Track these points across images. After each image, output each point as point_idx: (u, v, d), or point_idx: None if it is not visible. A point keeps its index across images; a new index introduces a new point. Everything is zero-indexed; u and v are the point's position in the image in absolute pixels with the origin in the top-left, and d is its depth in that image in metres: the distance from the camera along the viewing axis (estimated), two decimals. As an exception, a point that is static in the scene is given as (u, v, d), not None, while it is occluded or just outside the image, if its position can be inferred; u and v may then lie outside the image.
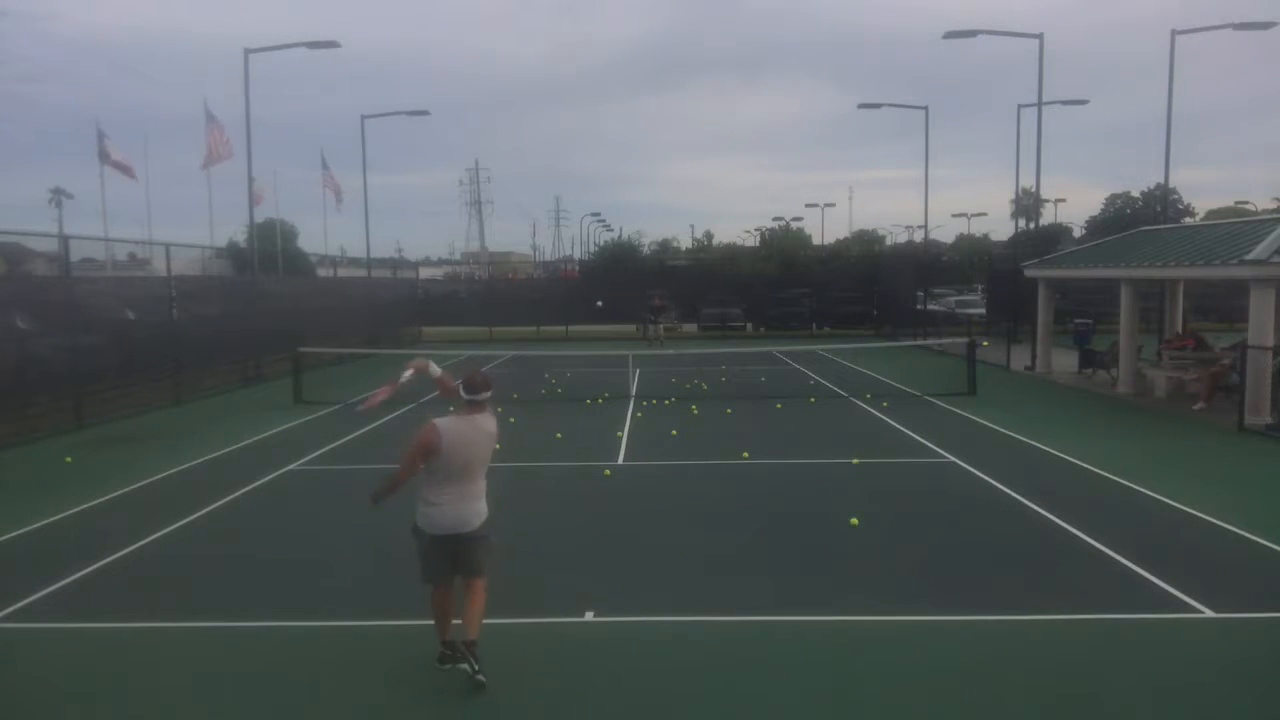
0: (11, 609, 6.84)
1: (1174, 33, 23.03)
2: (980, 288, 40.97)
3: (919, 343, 27.54)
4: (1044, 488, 10.18)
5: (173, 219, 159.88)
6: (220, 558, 8.13)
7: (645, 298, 34.15)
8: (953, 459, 11.93)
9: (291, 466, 11.93)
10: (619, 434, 14.02)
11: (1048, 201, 71.38)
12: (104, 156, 32.33)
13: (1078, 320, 24.66)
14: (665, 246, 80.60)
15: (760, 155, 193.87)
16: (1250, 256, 14.19)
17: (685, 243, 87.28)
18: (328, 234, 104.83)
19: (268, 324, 22.32)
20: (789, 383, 20.63)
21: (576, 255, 73.94)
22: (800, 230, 71.67)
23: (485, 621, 5.61)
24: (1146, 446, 12.82)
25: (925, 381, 19.88)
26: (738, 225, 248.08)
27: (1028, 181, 48.07)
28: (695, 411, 16.31)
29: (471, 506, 5.56)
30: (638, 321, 35.00)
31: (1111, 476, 10.79)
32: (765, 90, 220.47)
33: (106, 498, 10.28)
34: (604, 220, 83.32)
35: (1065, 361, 22.63)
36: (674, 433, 14.05)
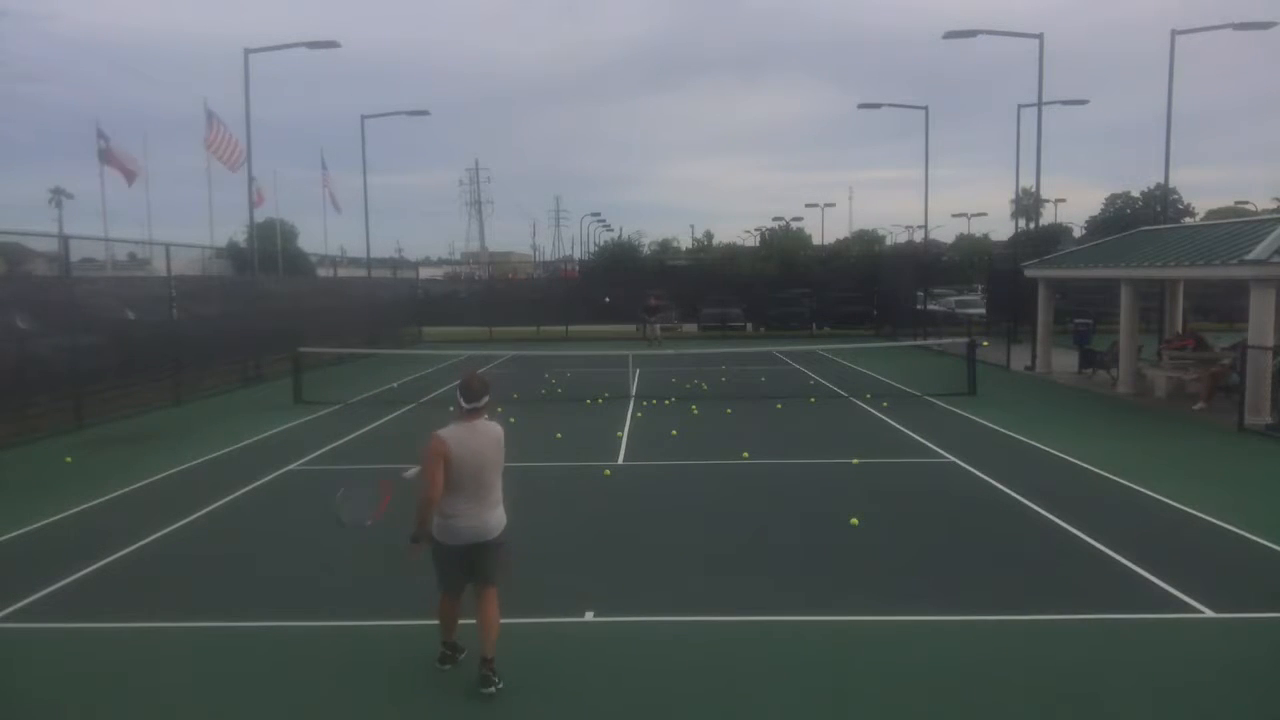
0: (11, 609, 6.85)
1: (1174, 33, 23.06)
2: (980, 288, 40.97)
3: (919, 343, 27.54)
4: (1044, 488, 10.18)
5: (173, 219, 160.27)
6: (220, 558, 8.14)
7: (645, 298, 34.16)
8: (953, 459, 11.93)
9: (291, 466, 11.93)
10: (619, 434, 14.02)
11: (1048, 201, 71.46)
12: (108, 159, 32.27)
13: (1078, 320, 24.65)
14: (665, 246, 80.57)
15: (760, 155, 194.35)
16: (1250, 256, 14.20)
17: (685, 243, 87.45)
18: (328, 234, 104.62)
19: (268, 324, 22.31)
20: (789, 383, 20.63)
21: (576, 255, 73.98)
22: (800, 230, 71.75)
23: (485, 622, 5.58)
24: (1146, 446, 12.82)
25: (925, 381, 19.88)
26: (738, 225, 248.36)
27: (1028, 181, 48.26)
28: (695, 411, 16.31)
29: (491, 515, 5.48)
30: (637, 322, 35.01)
31: (1111, 476, 10.79)
32: (765, 90, 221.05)
33: (106, 498, 10.28)
34: (604, 220, 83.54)
35: (1065, 361, 22.63)
36: (674, 433, 14.05)
